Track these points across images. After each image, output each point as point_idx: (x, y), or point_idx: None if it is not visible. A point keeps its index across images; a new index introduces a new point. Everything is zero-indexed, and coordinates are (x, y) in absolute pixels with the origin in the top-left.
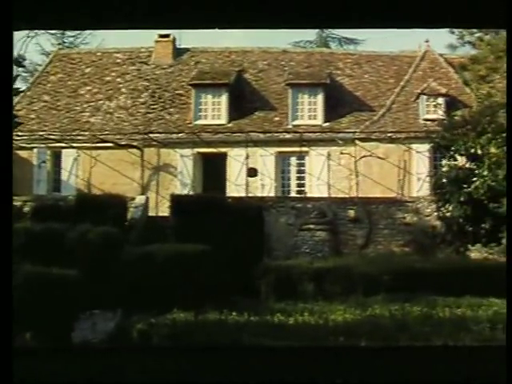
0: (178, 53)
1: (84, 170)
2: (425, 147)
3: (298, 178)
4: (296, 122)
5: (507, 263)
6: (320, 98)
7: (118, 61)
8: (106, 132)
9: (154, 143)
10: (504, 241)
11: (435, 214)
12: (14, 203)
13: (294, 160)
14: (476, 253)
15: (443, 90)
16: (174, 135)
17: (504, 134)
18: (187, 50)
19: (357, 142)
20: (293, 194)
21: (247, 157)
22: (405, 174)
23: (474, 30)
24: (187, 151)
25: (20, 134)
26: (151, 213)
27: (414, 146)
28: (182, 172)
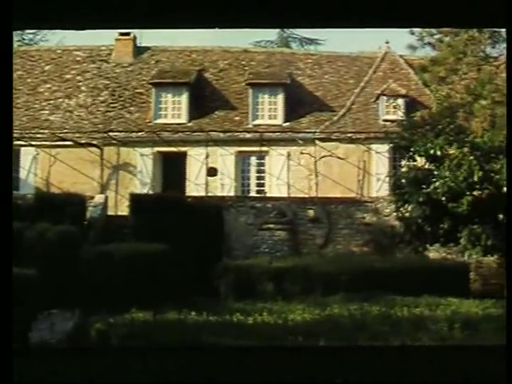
0: (139, 51)
1: (43, 169)
2: (384, 148)
3: (258, 178)
4: (256, 122)
5: (507, 263)
6: (280, 97)
7: (78, 59)
8: (66, 130)
9: (114, 142)
10: (462, 240)
11: (394, 214)
12: None
13: (253, 160)
14: (434, 253)
15: (403, 91)
16: (134, 134)
17: (462, 136)
18: (148, 48)
19: (317, 142)
20: (252, 194)
21: (207, 156)
22: (364, 174)
23: (434, 32)
24: (147, 150)
25: None
26: (110, 212)
27: (373, 146)
28: (142, 171)
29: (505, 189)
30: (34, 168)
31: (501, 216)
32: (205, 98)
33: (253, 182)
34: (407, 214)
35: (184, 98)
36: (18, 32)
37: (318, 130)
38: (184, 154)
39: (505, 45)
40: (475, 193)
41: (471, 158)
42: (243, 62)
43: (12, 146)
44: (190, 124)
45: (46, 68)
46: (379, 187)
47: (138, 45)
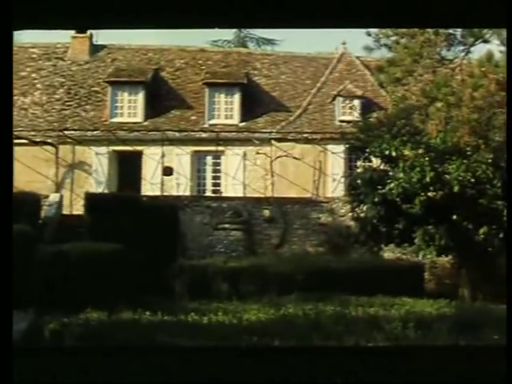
0: (95, 49)
1: None
2: (340, 148)
3: (214, 178)
4: (212, 122)
5: (507, 263)
6: (237, 97)
7: (34, 56)
8: (21, 128)
9: (69, 140)
10: (416, 241)
11: (349, 214)
12: None
13: (209, 159)
14: (389, 253)
15: (359, 92)
16: (90, 133)
17: (417, 137)
18: (104, 46)
19: (273, 142)
20: (208, 194)
21: (163, 155)
22: (320, 174)
23: (390, 33)
24: (102, 149)
25: None
26: (65, 211)
27: (329, 146)
28: (97, 170)
29: (456, 190)
30: None
31: (454, 217)
32: (161, 97)
33: (209, 181)
34: (362, 215)
35: (140, 97)
36: None
37: (274, 130)
38: (140, 153)
39: (460, 47)
40: (429, 194)
41: (425, 159)
42: (200, 62)
43: (12, 145)
44: (145, 123)
45: None
46: (335, 188)
47: (95, 43)
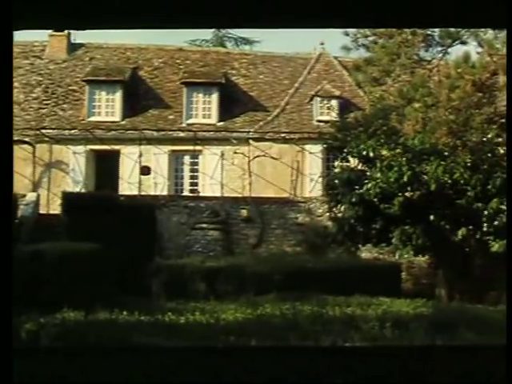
0: (73, 48)
1: None
2: (318, 148)
3: (192, 177)
4: (190, 121)
5: (507, 264)
6: (215, 97)
7: None
8: None
9: (47, 139)
10: (393, 241)
11: (327, 214)
12: None
13: (187, 159)
14: (367, 253)
15: (337, 92)
16: (67, 131)
17: (394, 137)
18: (82, 45)
19: (251, 141)
20: (186, 193)
21: (140, 155)
22: (298, 174)
23: (368, 33)
24: (80, 148)
25: None
26: (42, 210)
27: (307, 146)
28: (75, 169)
29: (434, 190)
30: None
31: (432, 217)
32: (139, 96)
33: (186, 181)
34: (340, 215)
35: (118, 96)
36: None
37: (251, 130)
38: (117, 153)
39: (438, 48)
40: (407, 194)
41: (402, 159)
42: (178, 61)
43: (12, 145)
44: (123, 122)
45: None
46: (312, 187)
47: (72, 41)
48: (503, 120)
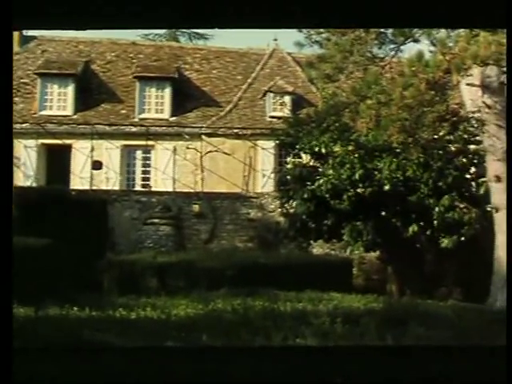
0: (25, 40)
1: None
2: (270, 144)
3: (144, 172)
4: (143, 116)
5: (507, 264)
6: (168, 92)
7: None
8: None
9: None
10: (344, 237)
11: (279, 210)
12: None
13: (139, 153)
14: (318, 248)
15: (290, 88)
16: (18, 125)
17: (347, 134)
18: (34, 37)
19: (203, 137)
20: (138, 188)
21: (92, 149)
22: (250, 170)
23: (322, 30)
24: (31, 142)
25: None
26: None
27: (259, 142)
28: (26, 163)
29: (386, 187)
30: None
31: (383, 213)
32: (91, 90)
33: (138, 176)
34: (292, 211)
35: (70, 90)
36: None
37: (204, 125)
38: (69, 147)
39: (391, 46)
40: (358, 190)
41: (354, 156)
42: (131, 55)
43: (12, 145)
44: (75, 116)
45: None
46: (264, 183)
47: (25, 33)
48: (455, 118)
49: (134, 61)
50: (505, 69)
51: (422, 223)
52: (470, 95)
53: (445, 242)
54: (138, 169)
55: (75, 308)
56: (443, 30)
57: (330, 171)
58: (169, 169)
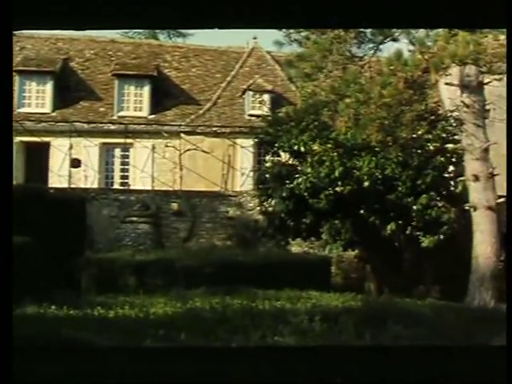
0: None
1: None
2: (249, 142)
3: (122, 170)
4: (121, 114)
5: (507, 263)
6: (146, 89)
7: None
8: None
9: None
10: (323, 235)
11: (258, 208)
12: None
13: (118, 151)
14: (297, 247)
15: (269, 87)
16: None
17: (326, 132)
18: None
19: (182, 135)
20: (116, 186)
21: (71, 147)
22: (229, 168)
23: (301, 29)
24: None
25: None
26: None
27: (238, 140)
28: None
29: (365, 184)
30: None
31: (362, 212)
32: (70, 87)
33: (117, 174)
34: (270, 209)
35: (48, 87)
36: None
37: (183, 123)
38: (47, 145)
39: (370, 45)
40: (337, 189)
41: (333, 154)
42: (110, 53)
43: (12, 145)
44: (53, 114)
45: None
46: (243, 181)
47: None
48: (433, 117)
49: (112, 58)
50: (483, 68)
51: (400, 222)
52: (448, 94)
53: (425, 241)
54: (117, 167)
55: (53, 307)
56: (422, 30)
57: (309, 170)
58: (147, 167)
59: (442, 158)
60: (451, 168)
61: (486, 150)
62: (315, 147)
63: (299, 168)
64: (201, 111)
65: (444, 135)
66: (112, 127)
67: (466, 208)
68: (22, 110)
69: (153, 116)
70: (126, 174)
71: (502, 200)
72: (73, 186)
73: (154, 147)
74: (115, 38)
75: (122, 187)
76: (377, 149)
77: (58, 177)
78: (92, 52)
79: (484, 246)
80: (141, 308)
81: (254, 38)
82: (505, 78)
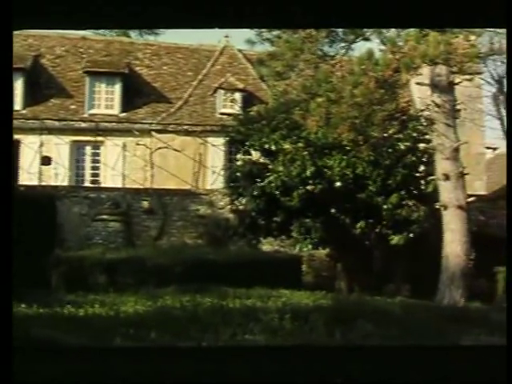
0: None
1: None
2: (220, 141)
3: (93, 168)
4: (92, 111)
5: (507, 263)
6: (118, 87)
7: None
8: None
9: None
10: (293, 234)
11: (229, 206)
12: None
13: (89, 149)
14: (268, 245)
15: (240, 85)
16: None
17: (297, 131)
18: None
19: (153, 133)
20: (87, 184)
21: (41, 145)
22: (200, 166)
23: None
24: None
25: None
26: None
27: (209, 139)
28: None
29: (337, 183)
30: None
31: (332, 210)
32: (40, 84)
33: (87, 172)
34: (241, 207)
35: (19, 84)
36: None
37: (154, 122)
38: (18, 142)
39: (341, 44)
40: (308, 187)
41: (305, 153)
42: (81, 50)
43: (12, 145)
44: (24, 111)
45: None
46: (214, 180)
47: None
48: (404, 116)
49: (84, 56)
50: (453, 68)
51: (371, 220)
52: (419, 94)
53: (395, 240)
54: (88, 165)
55: (23, 305)
56: (393, 30)
57: (280, 168)
58: (118, 165)
59: (413, 158)
60: (422, 167)
61: (457, 150)
62: (286, 146)
63: (270, 167)
64: (172, 109)
65: (415, 135)
66: (83, 125)
67: (437, 207)
68: None
69: (124, 114)
70: (96, 171)
71: (472, 199)
72: (43, 183)
73: (124, 145)
74: (86, 35)
75: (92, 185)
76: (348, 148)
77: (28, 174)
78: (63, 49)
79: (454, 244)
80: (111, 306)
81: (226, 37)
82: (475, 79)
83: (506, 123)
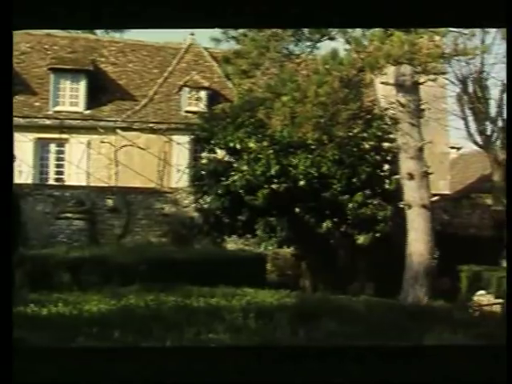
0: None
1: None
2: (185, 139)
3: (57, 166)
4: (57, 108)
5: (507, 263)
6: (83, 84)
7: None
8: None
9: None
10: (258, 232)
11: (193, 205)
12: None
13: (53, 147)
14: (232, 244)
15: (205, 83)
16: None
17: (262, 130)
18: None
19: (118, 131)
20: (51, 182)
21: None
22: (165, 164)
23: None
24: None
25: None
26: None
27: (174, 137)
28: None
29: (301, 182)
30: None
31: (297, 209)
32: None
33: (52, 169)
34: (206, 206)
35: None
36: None
37: (119, 119)
38: None
39: (307, 43)
40: (273, 186)
41: (269, 152)
42: (46, 46)
43: (12, 145)
44: None
45: None
46: (179, 178)
47: None
48: (369, 116)
49: (48, 52)
50: (417, 68)
51: (335, 219)
52: (384, 93)
53: (360, 239)
54: (52, 162)
55: None
56: (358, 29)
57: (245, 167)
58: (83, 163)
59: (377, 157)
60: (386, 166)
61: (421, 149)
62: (251, 144)
63: (235, 165)
64: (137, 107)
65: (379, 134)
66: (47, 122)
67: (401, 206)
68: None
69: (89, 111)
70: (61, 169)
71: (435, 198)
72: None
73: (89, 143)
74: (51, 31)
75: (56, 183)
76: (313, 147)
77: None
78: (28, 45)
79: (418, 243)
80: (75, 305)
81: (192, 35)
82: (440, 79)
83: (470, 123)
